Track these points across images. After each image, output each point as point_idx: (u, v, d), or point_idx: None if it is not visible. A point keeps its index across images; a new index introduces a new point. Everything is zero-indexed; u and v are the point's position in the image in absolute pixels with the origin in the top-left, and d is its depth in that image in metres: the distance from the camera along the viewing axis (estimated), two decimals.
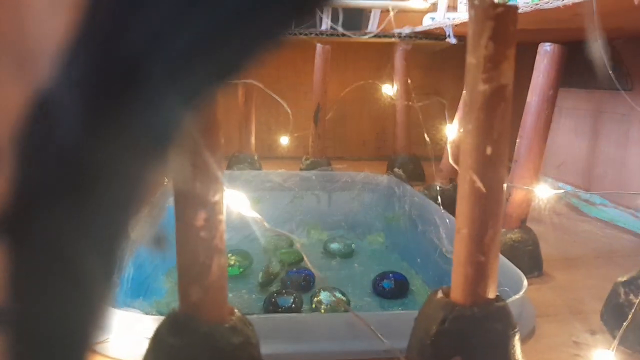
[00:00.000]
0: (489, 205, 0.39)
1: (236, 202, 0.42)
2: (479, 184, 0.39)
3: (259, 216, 0.42)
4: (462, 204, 0.40)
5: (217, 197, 0.36)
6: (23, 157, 0.12)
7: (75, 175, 0.12)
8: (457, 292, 0.42)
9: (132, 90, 0.12)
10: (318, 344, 0.48)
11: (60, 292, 0.13)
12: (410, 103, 1.32)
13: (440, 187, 1.01)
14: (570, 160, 1.22)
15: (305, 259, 0.48)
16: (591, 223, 1.03)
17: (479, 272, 0.40)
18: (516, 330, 0.42)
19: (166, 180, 0.97)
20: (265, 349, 0.47)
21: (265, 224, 0.42)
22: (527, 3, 0.69)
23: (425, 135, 1.39)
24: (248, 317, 0.42)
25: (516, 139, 0.76)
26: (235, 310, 0.39)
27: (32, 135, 0.12)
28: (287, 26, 0.13)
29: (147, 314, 0.47)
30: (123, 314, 0.49)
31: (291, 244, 1.09)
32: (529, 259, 0.73)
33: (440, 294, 0.43)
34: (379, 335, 0.44)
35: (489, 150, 0.38)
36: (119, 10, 0.12)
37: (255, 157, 1.33)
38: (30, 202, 0.12)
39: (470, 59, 0.38)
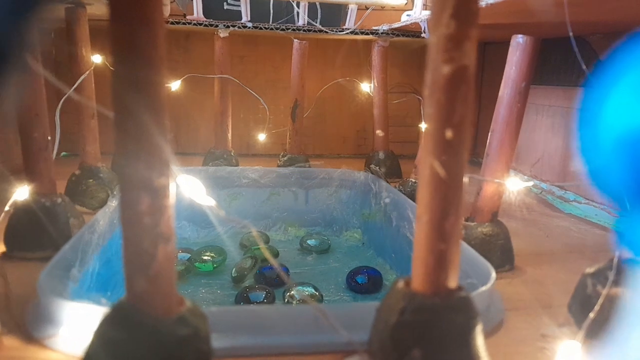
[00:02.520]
0: (449, 191, 0.38)
1: (190, 188, 0.40)
2: (439, 169, 0.37)
3: (214, 203, 0.40)
4: (422, 190, 0.39)
5: (163, 180, 0.34)
6: None
7: None
8: (418, 281, 0.40)
9: None
10: (277, 337, 0.46)
11: None
12: (387, 106, 1.31)
13: (415, 182, 1.00)
14: (546, 157, 1.22)
15: (271, 260, 0.46)
16: (565, 219, 1.03)
17: (439, 261, 0.39)
18: (478, 320, 0.41)
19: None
20: (223, 341, 0.46)
21: (221, 212, 0.40)
22: None
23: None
24: (207, 309, 0.40)
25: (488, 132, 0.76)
26: (186, 301, 0.38)
27: None
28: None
29: (100, 305, 0.45)
30: (75, 305, 0.47)
31: (267, 241, 1.07)
32: (501, 253, 0.72)
33: (401, 284, 0.42)
34: (337, 327, 0.42)
35: (449, 134, 0.37)
36: None
37: (232, 154, 1.31)
38: None
39: (432, 39, 0.37)
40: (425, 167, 0.38)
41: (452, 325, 0.39)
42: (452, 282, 0.40)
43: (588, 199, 1.06)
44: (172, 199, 0.35)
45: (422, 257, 0.40)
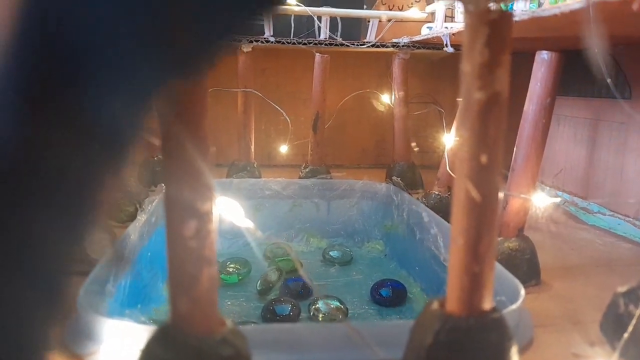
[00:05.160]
0: (484, 213, 0.39)
1: (229, 211, 0.41)
2: (474, 192, 0.38)
3: (252, 225, 0.41)
4: (457, 213, 0.40)
5: (207, 206, 0.35)
6: None
7: (18, 177, 0.12)
8: (453, 302, 0.41)
9: (74, 88, 0.12)
10: (313, 354, 0.47)
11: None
12: (407, 117, 1.32)
13: (438, 195, 1.01)
14: (568, 168, 1.21)
15: (300, 271, 0.47)
16: (589, 231, 1.02)
17: (474, 283, 0.40)
18: (512, 341, 0.41)
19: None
20: (260, 359, 0.47)
21: (259, 233, 0.41)
22: (524, 10, 0.69)
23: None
24: (242, 327, 0.41)
25: (513, 147, 0.76)
26: (227, 322, 0.39)
27: None
28: (230, 31, 0.13)
29: (140, 323, 0.46)
30: (114, 323, 0.48)
31: (286, 251, 1.08)
32: (527, 267, 0.72)
33: (435, 305, 0.43)
34: (373, 346, 0.43)
35: (484, 158, 0.38)
36: (59, 5, 0.11)
37: (255, 165, 1.33)
38: None
39: (465, 66, 0.38)
40: (460, 190, 0.39)
41: (487, 346, 0.40)
42: (487, 304, 0.41)
43: (613, 211, 1.05)
44: (215, 223, 0.36)
45: (456, 279, 0.40)
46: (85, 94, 0.12)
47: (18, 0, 0.10)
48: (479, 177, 0.38)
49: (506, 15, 0.38)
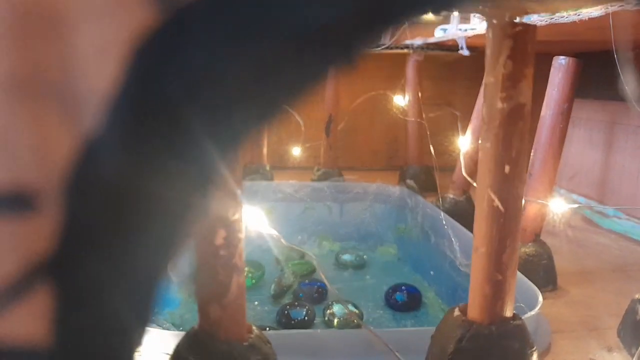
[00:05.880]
0: (507, 223, 0.39)
1: (254, 220, 0.42)
2: (498, 202, 0.39)
3: (276, 233, 0.42)
4: (480, 222, 0.40)
5: (236, 216, 0.36)
6: (69, 200, 0.12)
7: (119, 215, 0.13)
8: (475, 310, 0.42)
9: (174, 130, 0.13)
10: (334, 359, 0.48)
11: (96, 332, 0.14)
12: (421, 119, 1.32)
13: (453, 198, 1.01)
14: (583, 171, 1.21)
15: (322, 275, 0.48)
16: (605, 235, 1.02)
17: (496, 291, 0.40)
18: (534, 348, 0.42)
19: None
20: None
21: (283, 240, 0.42)
22: (542, 17, 0.69)
23: (431, 148, 1.39)
24: (265, 333, 0.42)
25: (530, 152, 0.76)
26: (254, 328, 0.40)
27: (79, 178, 0.12)
28: (325, 71, 0.13)
29: (162, 327, 0.47)
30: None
31: (303, 255, 1.09)
32: (544, 273, 0.73)
33: (457, 312, 0.43)
34: (396, 353, 0.44)
35: (507, 169, 0.38)
36: (161, 53, 0.12)
37: (267, 168, 1.34)
38: (75, 244, 0.12)
39: (489, 78, 0.38)
40: (483, 200, 0.40)
41: (509, 353, 0.40)
42: (508, 311, 0.41)
43: (629, 215, 1.05)
44: (243, 232, 0.37)
45: (479, 287, 0.41)
46: (185, 137, 0.13)
47: (127, 50, 0.11)
48: (503, 187, 0.39)
49: (529, 27, 0.38)
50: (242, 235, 0.37)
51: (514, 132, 0.38)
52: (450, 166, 1.16)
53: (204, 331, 0.37)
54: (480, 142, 0.40)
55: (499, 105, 0.38)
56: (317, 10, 0.12)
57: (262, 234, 0.45)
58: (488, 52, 0.38)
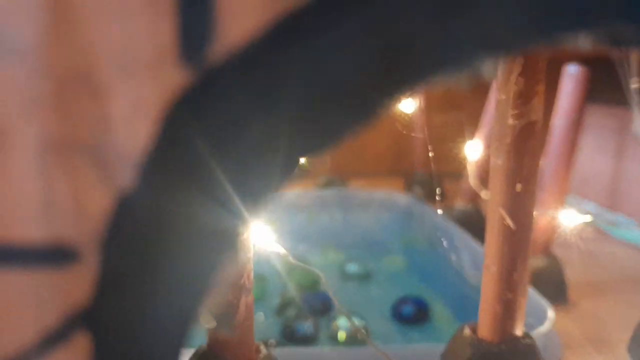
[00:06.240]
0: (518, 242, 0.39)
1: (262, 238, 0.42)
2: (509, 221, 0.38)
3: (284, 251, 0.42)
4: (491, 240, 0.40)
5: (244, 235, 0.36)
6: (105, 251, 0.12)
7: (151, 261, 0.13)
8: (485, 329, 0.41)
9: (203, 181, 0.13)
10: None
11: None
12: (427, 124, 1.31)
13: (462, 209, 1.00)
14: (594, 178, 1.20)
15: (330, 293, 0.48)
16: (616, 245, 1.01)
17: (507, 310, 0.40)
18: None
19: None
20: None
21: (291, 259, 0.42)
22: None
23: (430, 154, 1.38)
24: (273, 351, 0.41)
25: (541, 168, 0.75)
26: (262, 348, 0.39)
27: (114, 231, 0.12)
28: (344, 129, 0.13)
29: None
30: None
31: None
32: (554, 286, 0.72)
33: (467, 331, 0.43)
34: None
35: (519, 187, 0.38)
36: (192, 111, 0.12)
37: None
38: (111, 291, 0.13)
39: (500, 95, 0.38)
40: (494, 218, 0.39)
41: None
42: (519, 330, 0.41)
43: None
44: (251, 253, 0.37)
45: (489, 306, 0.40)
46: (214, 181, 0.13)
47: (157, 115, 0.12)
48: (514, 205, 0.38)
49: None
50: (250, 255, 0.37)
51: (525, 150, 0.37)
52: (457, 172, 1.15)
53: (212, 350, 0.37)
54: (491, 158, 0.40)
55: (511, 122, 0.37)
56: (337, 69, 0.12)
57: (269, 251, 0.44)
58: (501, 69, 0.38)
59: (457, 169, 1.32)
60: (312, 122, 0.13)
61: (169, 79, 0.12)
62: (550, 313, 0.57)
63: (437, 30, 0.13)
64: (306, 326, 0.79)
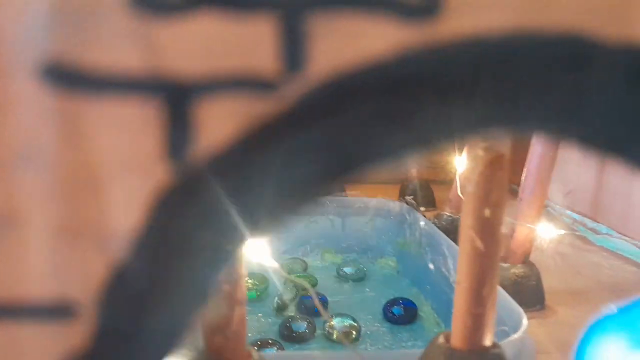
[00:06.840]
0: (486, 262, 0.43)
1: (256, 252, 0.46)
2: (478, 242, 0.42)
3: (277, 265, 0.46)
4: (463, 259, 0.44)
5: (239, 251, 0.40)
6: (102, 307, 0.16)
7: (143, 314, 0.17)
8: (457, 338, 0.45)
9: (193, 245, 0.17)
10: None
11: None
12: None
13: (450, 217, 1.05)
14: (578, 188, 1.24)
15: (313, 295, 0.52)
16: (596, 253, 1.05)
17: (476, 322, 0.44)
18: None
19: None
20: None
21: (284, 274, 0.46)
22: None
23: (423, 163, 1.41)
24: (264, 354, 0.46)
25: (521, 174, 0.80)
26: (252, 353, 0.44)
27: (111, 291, 0.16)
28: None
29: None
30: None
31: (305, 268, 1.12)
32: (532, 293, 0.76)
33: (441, 339, 0.47)
34: None
35: (487, 213, 0.42)
36: (179, 203, 0.16)
37: None
38: (106, 340, 0.17)
39: None
40: (465, 239, 0.43)
41: None
42: (488, 341, 0.45)
43: (621, 232, 1.08)
44: (245, 268, 0.41)
45: (461, 318, 0.44)
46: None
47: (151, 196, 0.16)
48: (483, 229, 0.42)
49: None
50: (243, 270, 0.41)
51: (493, 181, 0.42)
52: (447, 179, 1.19)
53: (208, 357, 0.41)
54: (463, 186, 0.44)
55: (480, 154, 0.42)
56: (302, 170, 0.16)
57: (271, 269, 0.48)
58: None
59: (448, 177, 1.36)
60: (277, 208, 0.17)
61: (157, 175, 0.16)
62: (525, 320, 0.62)
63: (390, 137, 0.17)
64: (302, 326, 0.84)
